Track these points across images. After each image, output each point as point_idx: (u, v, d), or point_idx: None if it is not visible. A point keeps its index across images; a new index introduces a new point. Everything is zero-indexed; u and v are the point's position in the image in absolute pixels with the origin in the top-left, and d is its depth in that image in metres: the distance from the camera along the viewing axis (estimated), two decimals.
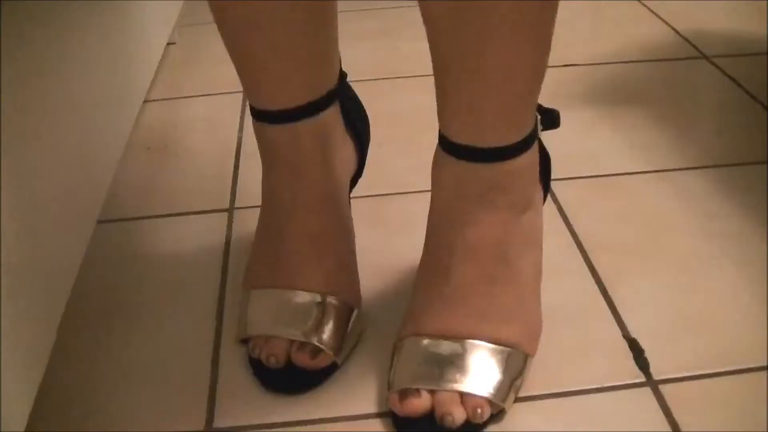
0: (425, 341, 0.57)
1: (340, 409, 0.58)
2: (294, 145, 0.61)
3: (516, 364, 0.57)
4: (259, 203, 0.82)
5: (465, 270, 0.58)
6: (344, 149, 0.66)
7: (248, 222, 0.79)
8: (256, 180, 0.86)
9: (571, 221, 0.77)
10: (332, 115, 0.63)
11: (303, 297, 0.61)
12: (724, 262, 0.71)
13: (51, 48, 0.63)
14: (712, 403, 0.58)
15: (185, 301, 0.70)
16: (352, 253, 0.66)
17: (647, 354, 0.62)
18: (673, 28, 1.21)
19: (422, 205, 0.79)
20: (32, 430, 0.58)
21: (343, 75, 0.66)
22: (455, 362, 0.56)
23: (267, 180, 0.65)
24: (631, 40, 1.17)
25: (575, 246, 0.74)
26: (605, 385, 0.59)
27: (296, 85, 0.60)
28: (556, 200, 0.81)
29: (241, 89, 1.04)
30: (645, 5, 1.31)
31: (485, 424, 0.56)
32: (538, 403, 0.58)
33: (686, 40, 1.17)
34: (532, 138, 0.59)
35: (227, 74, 1.12)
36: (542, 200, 0.64)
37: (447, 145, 0.57)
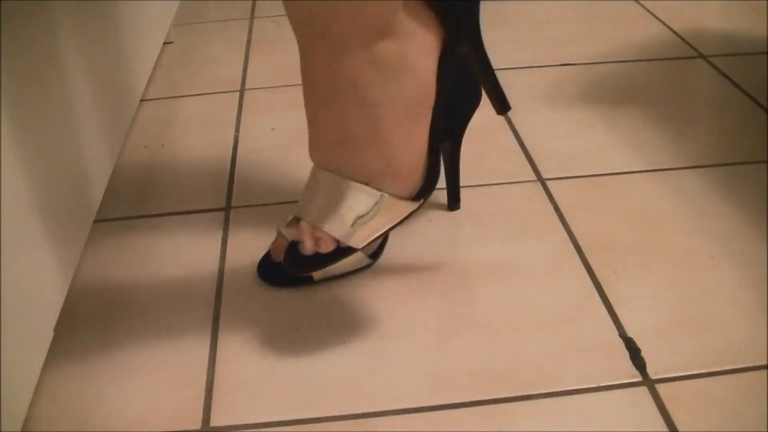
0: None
1: (340, 409, 0.59)
2: None
3: (361, 200, 0.57)
4: (256, 202, 0.82)
5: (313, 105, 0.58)
6: None
7: (245, 221, 0.79)
8: (252, 179, 0.86)
9: (568, 220, 0.77)
10: None
11: None
12: (721, 261, 0.71)
13: (48, 47, 0.63)
14: (709, 402, 0.58)
15: (182, 300, 0.70)
16: None
17: (644, 353, 0.62)
18: (670, 28, 1.21)
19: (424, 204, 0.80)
20: (30, 429, 0.58)
21: None
22: (312, 194, 0.59)
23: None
24: (628, 40, 1.18)
25: (571, 245, 0.74)
26: (601, 384, 0.60)
27: None
28: (552, 199, 0.81)
29: (237, 88, 1.04)
30: (642, 5, 1.31)
31: (334, 258, 0.61)
32: (534, 402, 0.58)
33: (683, 39, 1.17)
34: None
35: (224, 73, 1.12)
36: (426, 29, 0.58)
37: None
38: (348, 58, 0.55)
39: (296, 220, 0.63)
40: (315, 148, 0.61)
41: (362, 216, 0.59)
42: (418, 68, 0.58)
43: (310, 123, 0.61)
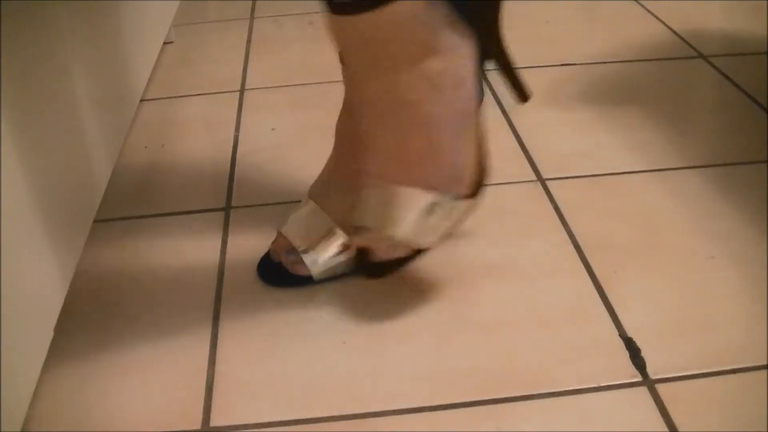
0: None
1: (340, 409, 0.59)
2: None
3: (428, 205, 0.60)
4: (255, 202, 0.82)
5: (367, 125, 0.61)
6: None
7: (244, 221, 0.79)
8: (252, 179, 0.86)
9: (568, 220, 0.77)
10: None
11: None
12: (721, 261, 0.71)
13: (48, 47, 0.63)
14: (709, 402, 0.58)
15: (182, 300, 0.70)
16: None
17: (644, 353, 0.62)
18: (670, 28, 1.21)
19: None
20: (30, 429, 0.58)
21: None
22: (368, 205, 0.62)
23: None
24: (628, 40, 1.18)
25: (571, 245, 0.74)
26: (601, 384, 0.60)
27: None
28: (552, 199, 0.81)
29: (237, 88, 1.04)
30: (641, 4, 1.31)
31: (409, 259, 0.68)
32: (534, 402, 0.58)
33: (683, 39, 1.17)
34: None
35: (224, 73, 1.12)
36: (465, 42, 0.60)
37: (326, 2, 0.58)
38: (400, 77, 0.58)
39: (355, 229, 0.65)
40: (371, 165, 0.63)
41: (431, 219, 0.62)
42: (461, 79, 0.60)
43: (363, 142, 0.63)
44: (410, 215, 0.61)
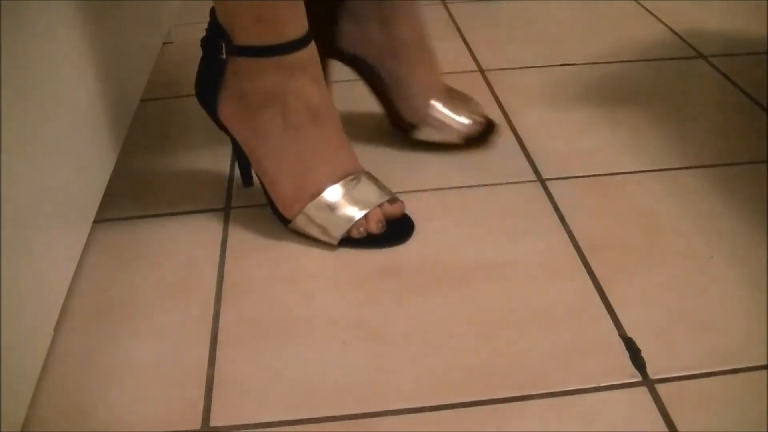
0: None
1: (340, 409, 0.59)
2: (316, 61, 0.73)
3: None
4: (255, 203, 0.82)
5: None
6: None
7: (244, 221, 0.79)
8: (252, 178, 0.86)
9: (568, 220, 0.77)
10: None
11: (357, 177, 0.76)
12: (721, 261, 0.71)
13: (49, 47, 0.62)
14: (709, 402, 0.58)
15: (182, 301, 0.70)
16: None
17: (644, 353, 0.62)
18: (670, 28, 1.21)
19: (423, 204, 0.80)
20: (30, 429, 0.58)
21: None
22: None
23: (279, 109, 0.73)
24: (628, 40, 1.18)
25: (571, 245, 0.74)
26: (601, 384, 0.60)
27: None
28: (552, 199, 0.81)
29: None
30: (642, 5, 1.31)
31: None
32: (534, 402, 0.58)
33: (683, 39, 1.17)
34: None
35: None
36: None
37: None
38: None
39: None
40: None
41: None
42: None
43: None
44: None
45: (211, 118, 0.77)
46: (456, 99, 0.89)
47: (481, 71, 1.09)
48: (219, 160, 0.90)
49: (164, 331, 0.66)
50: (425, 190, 0.83)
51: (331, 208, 0.74)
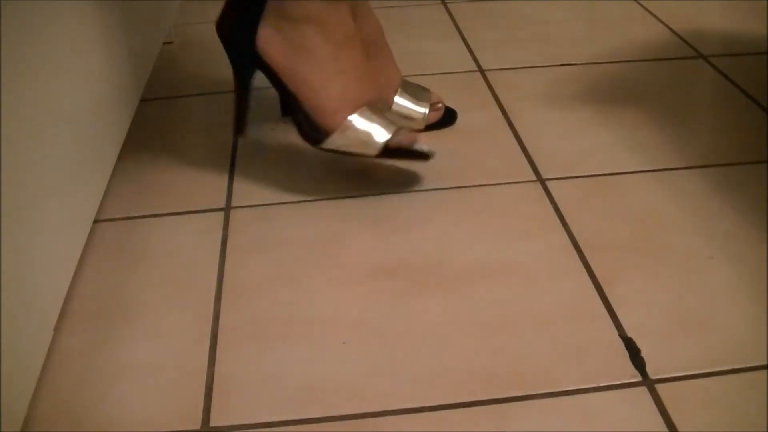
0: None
1: (340, 409, 0.59)
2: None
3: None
4: (255, 203, 0.82)
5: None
6: None
7: (244, 221, 0.79)
8: (252, 179, 0.86)
9: (568, 220, 0.77)
10: None
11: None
12: (721, 261, 0.71)
13: (48, 47, 0.63)
14: (709, 402, 0.58)
15: (182, 300, 0.70)
16: None
17: (644, 353, 0.62)
18: (670, 28, 1.21)
19: (423, 204, 0.80)
20: (30, 429, 0.58)
21: None
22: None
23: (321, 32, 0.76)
24: (628, 40, 1.18)
25: (571, 245, 0.74)
26: (601, 384, 0.60)
27: None
28: (552, 199, 0.81)
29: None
30: (641, 5, 1.31)
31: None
32: (534, 402, 0.58)
33: (683, 39, 1.17)
34: None
35: (224, 73, 1.12)
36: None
37: None
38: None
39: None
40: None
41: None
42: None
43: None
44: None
45: (239, 56, 0.79)
46: (415, 89, 0.94)
47: (481, 71, 1.09)
48: (219, 160, 0.90)
49: (164, 331, 0.66)
50: (425, 190, 0.83)
51: (374, 119, 0.78)
